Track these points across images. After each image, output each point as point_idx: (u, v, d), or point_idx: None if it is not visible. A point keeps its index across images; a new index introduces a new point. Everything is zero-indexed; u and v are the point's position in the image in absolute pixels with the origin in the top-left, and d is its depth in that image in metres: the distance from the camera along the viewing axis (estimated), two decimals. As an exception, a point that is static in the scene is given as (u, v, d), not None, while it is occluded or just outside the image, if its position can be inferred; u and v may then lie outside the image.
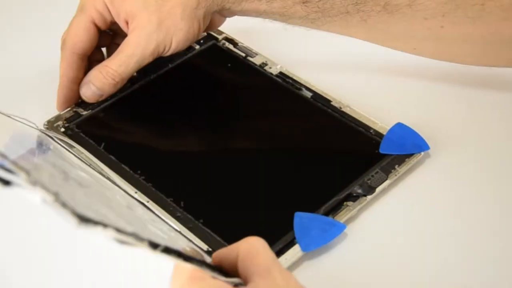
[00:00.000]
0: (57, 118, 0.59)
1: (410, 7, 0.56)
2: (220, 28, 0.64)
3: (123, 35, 0.59)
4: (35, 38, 0.69)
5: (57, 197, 0.32)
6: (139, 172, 0.55)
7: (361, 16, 0.57)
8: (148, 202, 0.52)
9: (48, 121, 0.59)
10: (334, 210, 0.52)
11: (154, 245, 0.35)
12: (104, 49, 0.62)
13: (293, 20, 0.59)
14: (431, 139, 0.57)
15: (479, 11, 0.55)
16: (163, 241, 0.36)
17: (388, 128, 0.58)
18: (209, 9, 0.59)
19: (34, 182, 0.32)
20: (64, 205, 0.32)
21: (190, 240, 0.50)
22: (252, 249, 0.41)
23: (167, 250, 0.36)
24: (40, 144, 0.52)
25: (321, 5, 0.57)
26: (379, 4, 0.56)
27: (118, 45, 0.59)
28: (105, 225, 0.33)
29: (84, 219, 0.32)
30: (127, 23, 0.58)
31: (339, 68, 0.66)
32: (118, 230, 0.33)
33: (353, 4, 0.57)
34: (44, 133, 0.57)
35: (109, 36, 0.62)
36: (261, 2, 0.58)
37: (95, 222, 0.33)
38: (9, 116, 0.52)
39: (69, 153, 0.56)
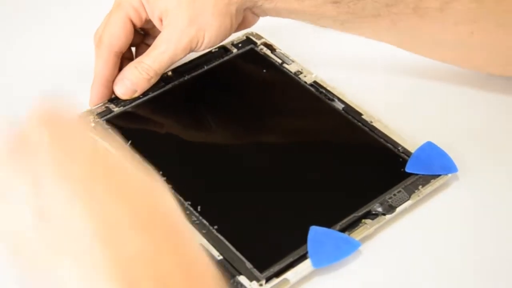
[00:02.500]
0: (88, 112, 0.60)
1: (441, 11, 0.55)
2: (262, 26, 0.64)
3: (154, 36, 0.60)
4: (69, 32, 0.70)
5: None
6: (161, 172, 0.55)
7: (392, 19, 0.57)
8: (166, 203, 0.53)
9: (79, 115, 0.60)
10: (351, 226, 0.51)
11: None
12: (133, 49, 0.63)
13: (323, 21, 0.59)
14: (461, 161, 0.55)
15: (509, 19, 0.54)
16: None
17: (417, 146, 0.56)
18: (241, 5, 0.59)
19: None
20: None
21: (203, 246, 0.50)
22: None
23: None
24: None
25: (352, 5, 0.57)
26: (409, 7, 0.56)
27: (147, 45, 0.60)
28: None
29: None
30: (161, 20, 0.59)
31: (375, 77, 0.65)
32: None
33: (384, 6, 0.56)
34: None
35: (140, 36, 0.62)
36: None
37: None
38: None
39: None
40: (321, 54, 0.66)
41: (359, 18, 0.57)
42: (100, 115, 0.60)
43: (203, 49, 0.60)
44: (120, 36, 0.59)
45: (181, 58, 0.60)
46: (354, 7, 0.57)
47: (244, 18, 0.61)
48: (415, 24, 0.57)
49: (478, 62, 0.60)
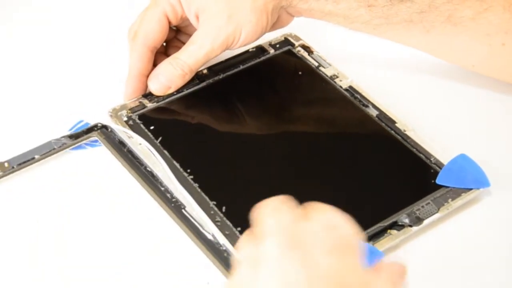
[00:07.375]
0: (122, 107, 0.60)
1: (474, 21, 0.55)
2: (301, 26, 0.63)
3: (187, 33, 0.60)
4: (104, 26, 0.70)
5: None
6: (188, 171, 0.55)
7: (424, 25, 0.57)
8: (191, 202, 0.53)
9: (113, 109, 0.60)
10: (376, 236, 0.51)
11: None
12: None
13: (356, 25, 0.59)
14: (494, 176, 0.54)
15: None
16: None
17: (450, 158, 0.55)
18: (278, 3, 0.59)
19: None
20: None
21: (224, 246, 0.50)
22: None
23: None
24: None
25: (385, 11, 0.57)
26: (443, 15, 0.56)
27: (179, 40, 0.60)
28: None
29: None
30: (197, 17, 0.59)
31: (412, 85, 0.64)
32: None
33: (418, 12, 0.56)
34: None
35: (172, 32, 0.63)
36: (327, 1, 0.58)
37: None
38: None
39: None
40: (358, 58, 0.66)
41: (392, 23, 0.57)
42: (133, 110, 0.60)
43: (239, 47, 0.60)
44: (156, 32, 0.59)
45: (216, 55, 0.60)
46: (388, 12, 0.57)
47: (278, 17, 0.61)
48: (447, 33, 0.57)
49: (509, 73, 0.58)
